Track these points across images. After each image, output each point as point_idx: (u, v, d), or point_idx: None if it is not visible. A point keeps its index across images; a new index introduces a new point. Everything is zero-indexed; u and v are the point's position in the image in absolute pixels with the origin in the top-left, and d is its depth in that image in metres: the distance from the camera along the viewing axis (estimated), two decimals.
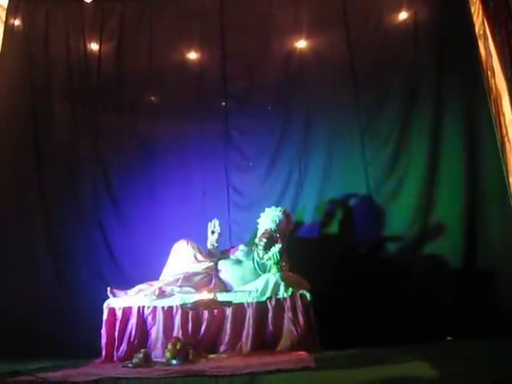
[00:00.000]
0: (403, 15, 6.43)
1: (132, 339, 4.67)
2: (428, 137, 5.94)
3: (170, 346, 4.13)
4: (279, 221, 5.21)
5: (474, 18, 6.17)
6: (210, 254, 5.36)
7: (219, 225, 5.41)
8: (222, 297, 4.60)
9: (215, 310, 4.58)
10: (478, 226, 5.61)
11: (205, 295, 4.40)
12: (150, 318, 4.72)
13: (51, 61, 6.87)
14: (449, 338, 5.11)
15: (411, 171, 5.92)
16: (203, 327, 4.61)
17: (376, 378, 2.82)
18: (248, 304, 4.60)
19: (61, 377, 3.52)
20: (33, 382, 3.39)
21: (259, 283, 4.71)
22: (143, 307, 4.75)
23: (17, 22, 7.05)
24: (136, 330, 4.69)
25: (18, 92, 6.76)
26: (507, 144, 5.61)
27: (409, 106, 6.10)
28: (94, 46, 6.95)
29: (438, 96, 6.03)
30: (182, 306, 4.55)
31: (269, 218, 5.25)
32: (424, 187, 5.82)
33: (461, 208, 5.68)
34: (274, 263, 4.86)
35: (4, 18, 7.11)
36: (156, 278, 5.13)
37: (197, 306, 4.43)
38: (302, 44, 6.65)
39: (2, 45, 7.02)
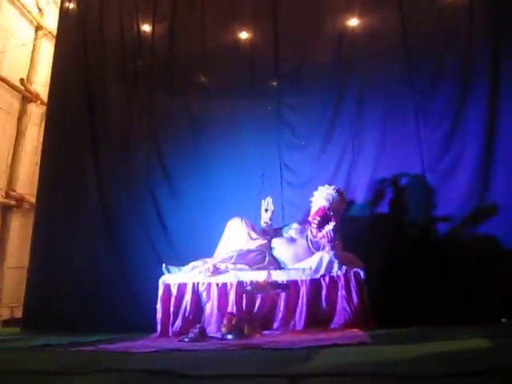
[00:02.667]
0: None
1: (187, 315, 4.75)
2: (484, 114, 5.77)
3: (225, 321, 4.19)
4: (333, 199, 5.18)
5: None
6: (264, 232, 5.38)
7: (272, 203, 5.42)
8: (276, 274, 4.64)
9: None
10: None
11: (262, 277, 4.46)
12: (204, 295, 4.79)
13: (105, 42, 7.00)
14: (504, 320, 5.01)
15: (467, 149, 5.77)
16: (257, 304, 4.65)
17: (432, 352, 2.80)
18: (302, 281, 4.61)
19: (121, 348, 3.61)
20: (94, 351, 3.49)
21: (313, 261, 4.71)
22: (198, 283, 4.83)
23: (71, 6, 7.20)
24: (191, 306, 4.77)
25: (74, 73, 6.93)
26: None
27: (464, 82, 5.94)
28: (147, 28, 7.04)
29: (494, 72, 5.85)
30: (243, 290, 4.58)
31: (322, 197, 5.22)
32: (480, 165, 5.67)
33: None
34: (328, 241, 4.86)
35: (59, 2, 7.26)
36: (210, 255, 5.18)
37: (254, 290, 4.48)
38: (354, 22, 6.57)
39: (58, 28, 7.20)
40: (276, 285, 4.49)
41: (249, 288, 4.45)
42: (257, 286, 4.46)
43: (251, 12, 6.91)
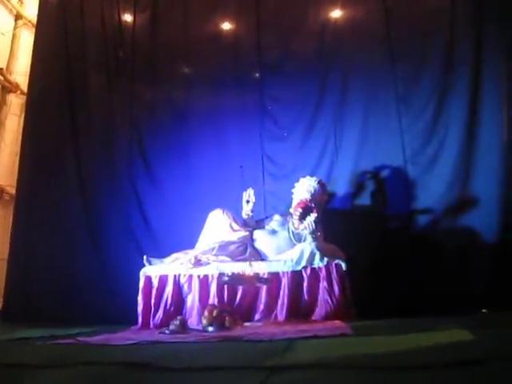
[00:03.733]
0: None
1: (168, 307, 4.73)
2: (466, 106, 5.80)
3: (206, 313, 4.17)
4: (314, 191, 5.19)
5: None
6: (245, 224, 5.37)
7: (254, 194, 5.40)
8: (257, 266, 4.62)
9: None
10: None
11: (242, 268, 4.45)
12: (185, 286, 4.78)
13: (86, 32, 6.93)
14: (484, 310, 5.04)
15: (448, 141, 5.79)
16: (238, 296, 4.65)
17: (413, 343, 2.81)
18: (283, 273, 4.62)
19: (100, 340, 3.58)
20: (73, 344, 3.46)
21: (295, 252, 4.71)
22: (179, 275, 4.82)
23: None
24: (172, 298, 4.75)
25: (54, 62, 6.87)
26: None
27: (446, 74, 5.97)
28: (129, 17, 6.99)
29: (475, 65, 5.88)
30: (221, 281, 4.57)
31: (304, 188, 5.22)
32: (462, 157, 5.70)
33: (497, 181, 5.54)
34: (310, 233, 4.85)
35: None
36: (191, 246, 5.15)
37: (233, 281, 4.47)
38: (337, 13, 6.58)
39: (38, 17, 7.12)
40: (256, 278, 4.48)
41: (226, 279, 4.44)
42: (236, 278, 4.45)
43: (234, 2, 6.91)
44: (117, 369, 2.42)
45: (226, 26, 6.85)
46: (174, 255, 4.98)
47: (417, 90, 6.04)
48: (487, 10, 5.96)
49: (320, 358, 2.50)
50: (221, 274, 4.60)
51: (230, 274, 4.52)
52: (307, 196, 5.14)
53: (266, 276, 4.56)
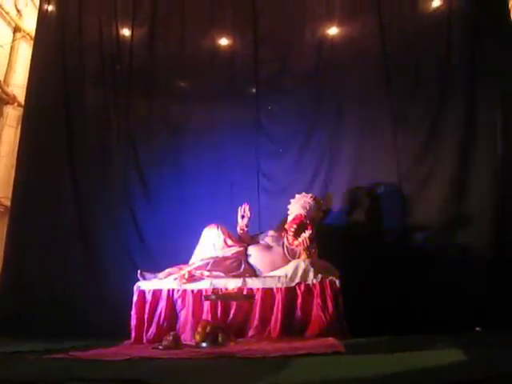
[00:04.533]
0: (437, 2, 6.36)
1: (161, 322, 4.71)
2: (461, 125, 5.83)
3: (199, 329, 4.15)
4: (309, 207, 5.22)
5: (510, 4, 6.09)
6: (240, 239, 5.37)
7: (249, 210, 5.41)
8: (252, 282, 4.63)
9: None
10: (510, 216, 5.51)
11: (231, 285, 4.48)
12: (179, 302, 4.76)
13: (84, 46, 6.96)
14: (477, 329, 5.04)
15: (443, 159, 5.82)
16: (232, 312, 4.62)
17: (406, 362, 2.80)
18: (277, 289, 4.60)
19: (92, 355, 3.57)
20: (66, 359, 3.45)
21: (289, 269, 4.70)
22: (173, 290, 4.80)
23: (50, 8, 7.15)
24: (165, 313, 4.73)
25: (52, 75, 6.87)
26: None
27: (442, 93, 6.00)
28: (126, 32, 7.02)
29: (471, 84, 5.92)
30: (205, 297, 4.58)
31: (299, 204, 5.26)
32: (456, 175, 5.73)
33: (493, 197, 5.56)
34: (304, 249, 4.87)
35: (38, 4, 7.20)
36: (186, 262, 5.16)
37: (220, 299, 4.48)
38: (334, 30, 6.62)
39: (36, 30, 7.15)
40: (240, 294, 4.49)
41: (213, 297, 4.45)
42: (222, 295, 4.48)
43: (231, 18, 6.94)
44: None
45: (223, 41, 6.89)
46: (168, 270, 4.96)
47: (412, 107, 6.07)
48: (483, 30, 6.00)
49: (312, 376, 2.50)
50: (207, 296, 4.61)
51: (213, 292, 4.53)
52: (302, 212, 5.16)
53: (247, 293, 4.58)
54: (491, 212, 5.54)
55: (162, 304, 4.77)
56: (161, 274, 4.94)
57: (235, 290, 4.51)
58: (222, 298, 4.51)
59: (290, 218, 5.25)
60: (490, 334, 4.60)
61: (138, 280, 4.90)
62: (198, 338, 4.11)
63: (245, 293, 4.59)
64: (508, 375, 2.27)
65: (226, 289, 4.53)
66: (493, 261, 5.39)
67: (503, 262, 5.36)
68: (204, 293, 4.68)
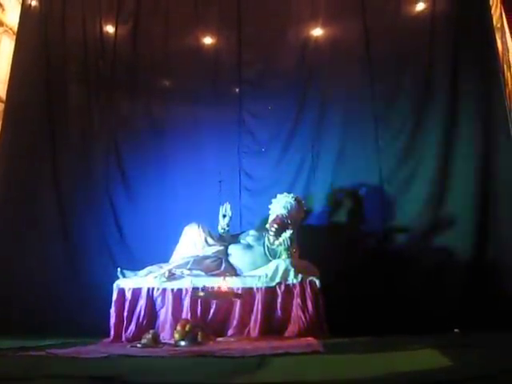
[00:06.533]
0: (421, 6, 6.40)
1: (141, 320, 4.69)
2: (442, 128, 5.88)
3: (178, 327, 4.15)
4: (291, 207, 5.23)
5: (492, 10, 6.12)
6: (221, 238, 5.36)
7: (230, 209, 5.41)
8: (232, 281, 4.61)
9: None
10: (490, 218, 5.54)
11: (216, 283, 4.45)
12: (159, 300, 4.75)
13: (67, 42, 6.90)
14: (456, 330, 5.05)
15: (424, 161, 5.86)
16: (212, 311, 4.62)
17: (384, 362, 2.81)
18: (257, 289, 4.61)
19: (70, 353, 3.54)
20: (42, 356, 3.42)
21: (269, 268, 4.71)
22: (153, 289, 4.78)
23: (34, 3, 7.08)
24: (145, 311, 4.71)
25: (34, 71, 6.82)
26: None
27: (424, 96, 6.04)
28: (110, 29, 6.97)
29: (452, 87, 5.97)
30: (194, 295, 4.56)
31: (280, 204, 5.26)
32: (437, 176, 5.76)
33: (473, 199, 5.61)
34: (285, 249, 4.87)
35: None
36: (166, 260, 5.14)
37: (208, 296, 4.46)
38: (318, 32, 6.62)
39: (19, 25, 7.07)
40: (232, 293, 4.47)
41: (201, 294, 4.42)
42: (211, 293, 4.44)
43: (216, 17, 6.91)
44: (83, 382, 2.39)
45: (207, 40, 6.87)
46: (148, 268, 4.95)
47: (394, 109, 6.12)
48: (466, 37, 6.06)
49: (289, 375, 2.49)
50: (195, 289, 4.57)
51: (204, 288, 4.49)
52: (284, 212, 5.17)
53: (240, 291, 4.57)
54: (472, 212, 5.58)
55: (142, 302, 4.75)
56: (141, 272, 4.92)
57: (226, 289, 4.47)
58: (211, 295, 4.48)
59: (271, 218, 5.25)
60: (468, 335, 4.63)
61: (118, 278, 4.86)
62: (177, 336, 4.10)
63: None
64: (485, 376, 2.28)
65: (219, 287, 4.49)
66: (472, 262, 5.43)
67: (483, 262, 5.41)
68: (184, 292, 4.67)
